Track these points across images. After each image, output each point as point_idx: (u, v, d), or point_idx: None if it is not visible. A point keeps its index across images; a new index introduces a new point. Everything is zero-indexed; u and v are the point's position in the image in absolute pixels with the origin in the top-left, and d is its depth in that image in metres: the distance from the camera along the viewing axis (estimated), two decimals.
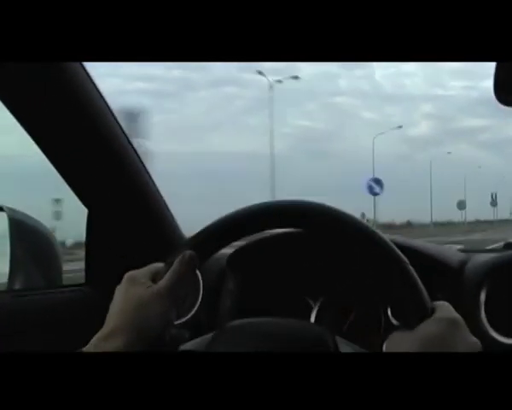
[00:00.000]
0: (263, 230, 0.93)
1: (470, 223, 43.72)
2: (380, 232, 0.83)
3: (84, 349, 0.81)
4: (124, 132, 1.38)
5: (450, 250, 1.47)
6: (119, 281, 0.91)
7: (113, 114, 1.34)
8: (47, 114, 1.22)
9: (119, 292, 0.88)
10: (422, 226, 38.47)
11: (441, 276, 1.28)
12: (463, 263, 1.33)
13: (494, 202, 44.47)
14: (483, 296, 1.24)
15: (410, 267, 0.80)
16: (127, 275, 0.89)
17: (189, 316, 1.35)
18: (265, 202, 0.87)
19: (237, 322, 0.93)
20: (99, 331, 0.85)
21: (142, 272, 0.89)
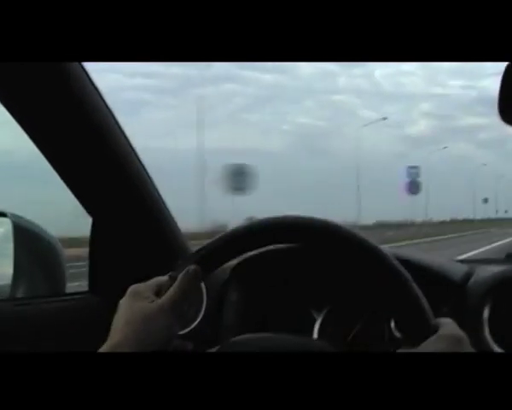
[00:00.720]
0: (266, 245, 0.93)
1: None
2: (383, 248, 0.83)
3: None
4: (128, 141, 1.38)
5: (453, 264, 1.47)
6: (122, 290, 0.91)
7: (116, 122, 1.34)
8: (53, 124, 1.22)
9: (124, 306, 0.88)
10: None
11: (444, 290, 1.28)
12: (466, 277, 1.33)
13: (414, 188, 32.95)
14: (486, 312, 1.23)
15: (414, 284, 0.80)
16: (131, 289, 0.89)
17: (192, 327, 1.35)
18: (268, 218, 0.88)
19: (240, 338, 0.93)
20: (104, 345, 0.85)
21: (146, 286, 0.90)
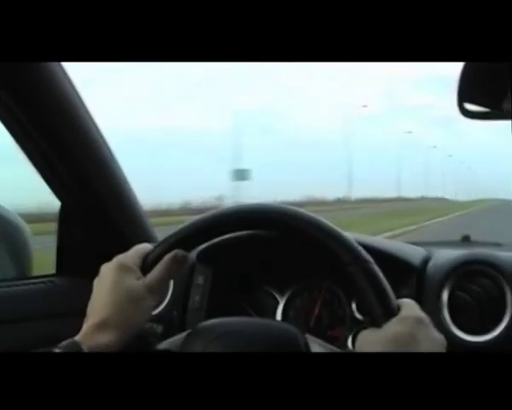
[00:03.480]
0: (239, 230, 0.96)
1: None
2: (344, 232, 0.86)
3: (77, 338, 0.82)
4: (97, 127, 1.39)
5: (413, 248, 1.50)
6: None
7: (86, 109, 1.35)
8: (22, 108, 1.23)
9: (109, 278, 0.87)
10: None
11: (404, 274, 1.31)
12: (426, 261, 1.37)
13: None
14: (445, 295, 1.27)
15: (375, 267, 0.82)
16: (117, 260, 0.89)
17: (159, 311, 1.36)
18: (244, 205, 0.90)
19: (210, 322, 0.95)
20: (90, 318, 0.85)
21: (131, 258, 0.90)
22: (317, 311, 1.43)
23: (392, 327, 0.78)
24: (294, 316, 1.44)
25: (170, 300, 1.40)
